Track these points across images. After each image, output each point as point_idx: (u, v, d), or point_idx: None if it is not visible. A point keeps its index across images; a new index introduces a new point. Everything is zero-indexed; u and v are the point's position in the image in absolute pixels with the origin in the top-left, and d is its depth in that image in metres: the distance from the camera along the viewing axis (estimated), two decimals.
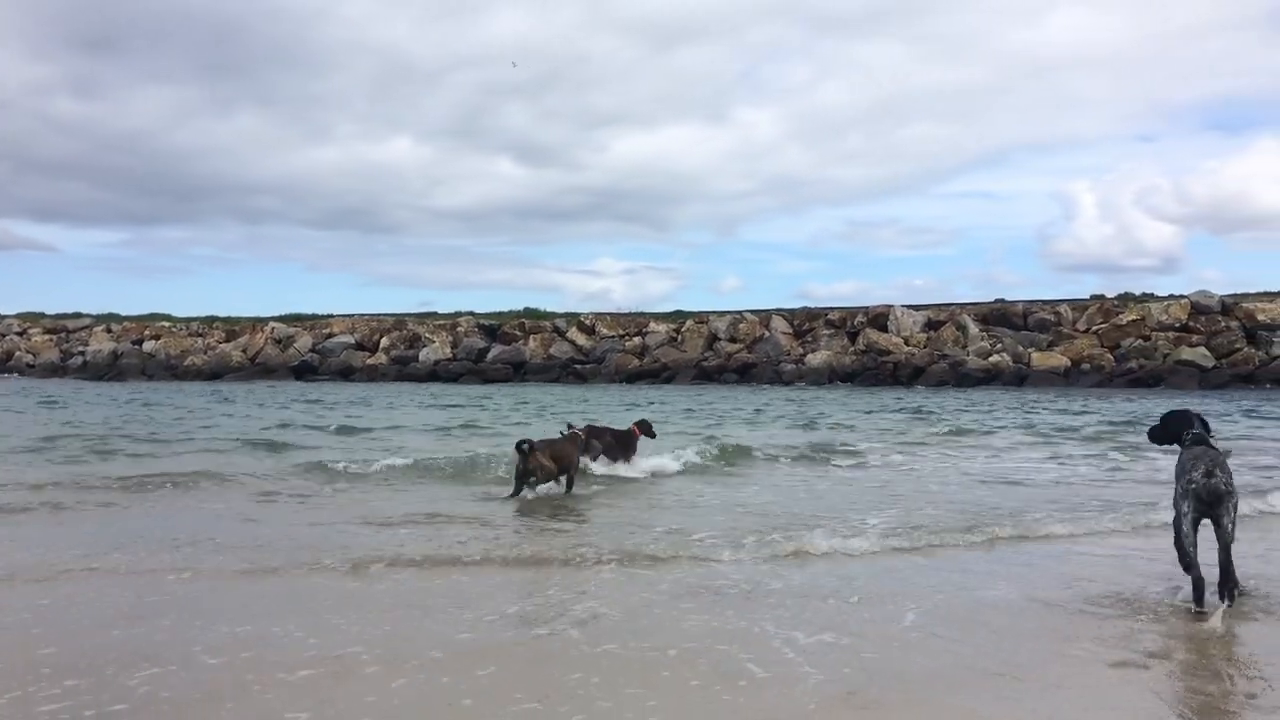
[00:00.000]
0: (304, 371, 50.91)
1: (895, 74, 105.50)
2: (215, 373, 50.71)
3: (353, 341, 53.71)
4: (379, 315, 57.26)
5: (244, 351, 54.05)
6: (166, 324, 58.78)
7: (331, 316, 57.10)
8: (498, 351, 51.00)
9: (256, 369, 51.58)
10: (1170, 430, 6.81)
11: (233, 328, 57.15)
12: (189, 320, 59.44)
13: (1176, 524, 6.15)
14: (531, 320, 54.02)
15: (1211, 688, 4.61)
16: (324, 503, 9.80)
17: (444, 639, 5.16)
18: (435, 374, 49.44)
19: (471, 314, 56.61)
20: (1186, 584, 6.05)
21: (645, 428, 12.91)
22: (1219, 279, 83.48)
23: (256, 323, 56.84)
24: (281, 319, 57.40)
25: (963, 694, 4.50)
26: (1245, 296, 44.69)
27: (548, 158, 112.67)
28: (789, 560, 7.24)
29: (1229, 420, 22.40)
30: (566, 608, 5.83)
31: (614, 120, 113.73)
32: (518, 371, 49.06)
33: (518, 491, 10.07)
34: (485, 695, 4.37)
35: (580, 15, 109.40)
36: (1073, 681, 4.66)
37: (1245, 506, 7.77)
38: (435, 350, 51.68)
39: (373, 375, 50.09)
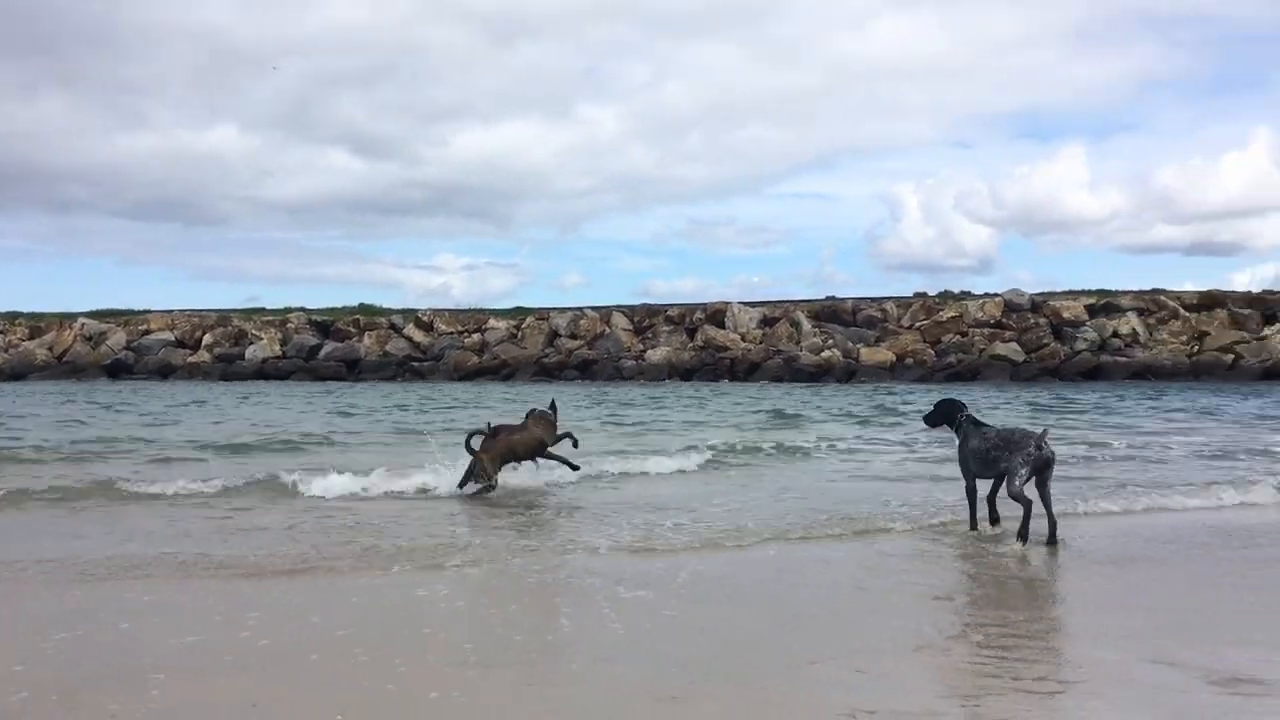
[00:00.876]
0: (118, 370, 47.93)
1: (731, 76, 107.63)
2: (17, 373, 47.14)
3: (172, 339, 50.95)
4: (201, 311, 54.57)
5: (50, 350, 50.43)
6: None
7: (149, 312, 54.03)
8: (330, 349, 49.35)
9: (64, 368, 48.22)
10: (946, 414, 8.27)
11: (38, 324, 53.28)
12: None
13: (1008, 484, 7.68)
14: (367, 317, 52.52)
15: (999, 670, 4.76)
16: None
17: (321, 611, 5.80)
18: (263, 372, 47.43)
19: (303, 310, 54.65)
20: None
21: (544, 417, 10.99)
22: (1029, 279, 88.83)
23: (64, 319, 53.16)
24: (93, 315, 53.89)
25: (772, 680, 4.50)
26: (1052, 295, 47.69)
27: (384, 150, 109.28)
28: (640, 549, 7.42)
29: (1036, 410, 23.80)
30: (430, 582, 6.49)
31: (454, 114, 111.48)
32: (352, 370, 47.60)
33: (487, 489, 10.14)
34: (333, 650, 5.03)
35: (416, 5, 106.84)
36: (877, 667, 4.74)
37: None
38: (263, 348, 49.56)
39: (194, 374, 47.62)
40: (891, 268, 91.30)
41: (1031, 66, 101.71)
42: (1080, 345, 43.44)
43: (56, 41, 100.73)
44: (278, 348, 49.85)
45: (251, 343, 50.05)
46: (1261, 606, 6.09)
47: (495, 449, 10.35)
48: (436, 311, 52.68)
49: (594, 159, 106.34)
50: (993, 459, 7.88)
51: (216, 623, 5.46)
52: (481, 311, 53.35)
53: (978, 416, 8.31)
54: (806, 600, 6.07)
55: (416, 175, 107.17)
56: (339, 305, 55.83)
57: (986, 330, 45.14)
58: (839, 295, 51.16)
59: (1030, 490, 7.72)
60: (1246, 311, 44.11)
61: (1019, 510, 7.67)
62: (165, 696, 4.35)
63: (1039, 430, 7.94)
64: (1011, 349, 43.53)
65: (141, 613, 5.71)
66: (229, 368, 48.08)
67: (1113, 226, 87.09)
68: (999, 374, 41.73)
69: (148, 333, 51.34)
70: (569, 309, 51.40)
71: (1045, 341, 43.94)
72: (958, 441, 8.21)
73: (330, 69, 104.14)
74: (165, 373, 47.91)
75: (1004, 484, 7.84)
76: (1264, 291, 46.98)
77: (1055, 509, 7.81)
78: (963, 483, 8.27)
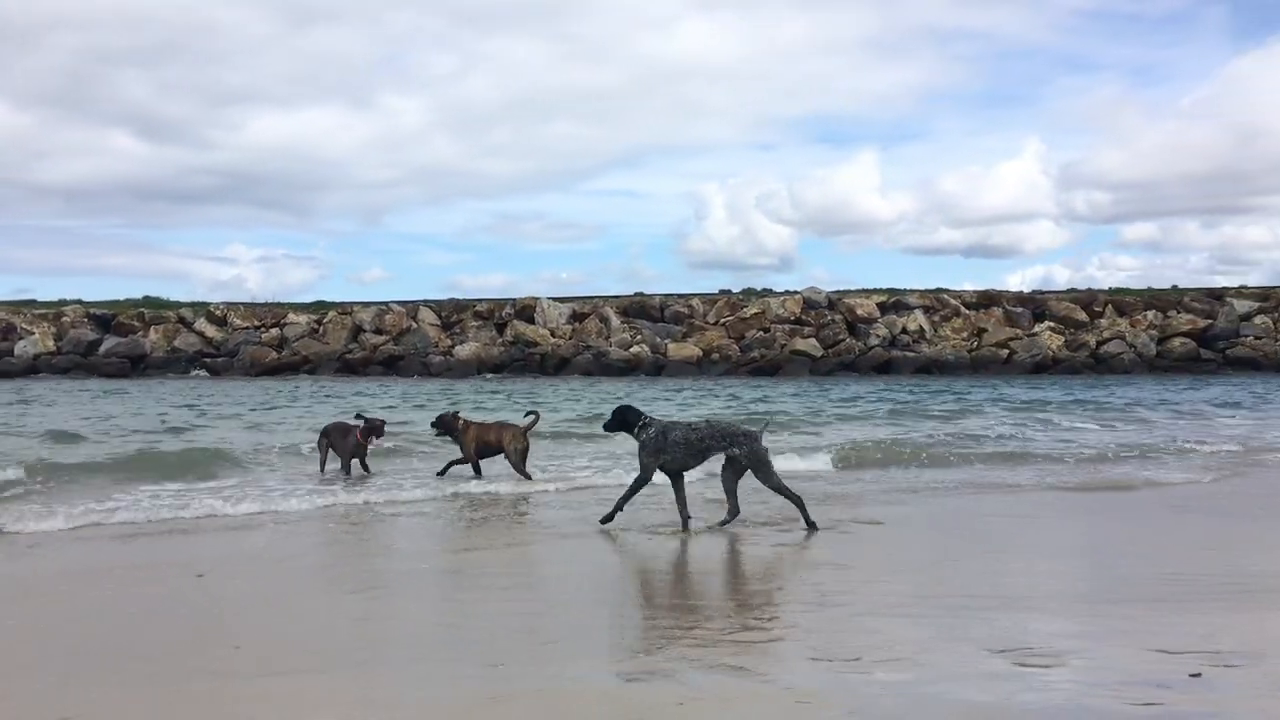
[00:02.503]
0: None
1: (537, 72, 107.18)
2: None
3: None
4: None
5: None
6: None
7: None
8: (112, 344, 46.11)
9: None
10: (623, 421, 8.50)
11: None
12: None
13: (766, 477, 8.24)
14: (152, 310, 49.37)
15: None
16: None
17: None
18: (35, 368, 43.91)
19: (80, 302, 50.87)
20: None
21: (372, 430, 11.16)
22: (826, 277, 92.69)
23: None
24: None
25: (534, 686, 4.49)
26: (847, 293, 50.08)
27: (171, 134, 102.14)
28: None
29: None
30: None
31: (247, 98, 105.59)
32: (136, 366, 44.69)
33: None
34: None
35: None
36: (656, 656, 4.81)
37: None
38: (34, 343, 45.81)
39: None
40: (698, 265, 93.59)
41: (826, 73, 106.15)
42: (873, 341, 45.83)
43: None
44: (51, 343, 46.25)
45: (22, 337, 46.20)
46: (1048, 580, 6.58)
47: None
48: (231, 305, 50.13)
49: (396, 150, 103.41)
50: (704, 449, 8.32)
51: None
52: (280, 305, 51.12)
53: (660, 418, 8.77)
54: (565, 599, 6.10)
55: (206, 161, 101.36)
56: (121, 298, 52.37)
57: (787, 326, 46.91)
58: (647, 291, 51.98)
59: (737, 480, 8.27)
60: (1019, 310, 47.78)
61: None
62: None
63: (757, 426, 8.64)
64: (810, 344, 45.44)
65: None
66: None
67: (901, 228, 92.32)
68: (799, 369, 43.49)
69: None
70: (373, 303, 49.99)
71: (841, 337, 46.12)
72: (642, 441, 8.44)
73: (111, 45, 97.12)
74: None
75: (756, 477, 8.30)
76: (1034, 291, 51.19)
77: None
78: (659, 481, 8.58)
